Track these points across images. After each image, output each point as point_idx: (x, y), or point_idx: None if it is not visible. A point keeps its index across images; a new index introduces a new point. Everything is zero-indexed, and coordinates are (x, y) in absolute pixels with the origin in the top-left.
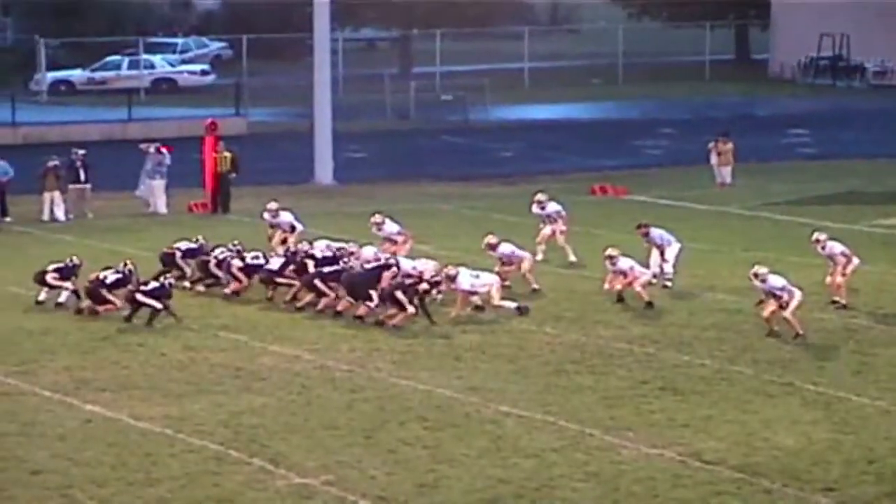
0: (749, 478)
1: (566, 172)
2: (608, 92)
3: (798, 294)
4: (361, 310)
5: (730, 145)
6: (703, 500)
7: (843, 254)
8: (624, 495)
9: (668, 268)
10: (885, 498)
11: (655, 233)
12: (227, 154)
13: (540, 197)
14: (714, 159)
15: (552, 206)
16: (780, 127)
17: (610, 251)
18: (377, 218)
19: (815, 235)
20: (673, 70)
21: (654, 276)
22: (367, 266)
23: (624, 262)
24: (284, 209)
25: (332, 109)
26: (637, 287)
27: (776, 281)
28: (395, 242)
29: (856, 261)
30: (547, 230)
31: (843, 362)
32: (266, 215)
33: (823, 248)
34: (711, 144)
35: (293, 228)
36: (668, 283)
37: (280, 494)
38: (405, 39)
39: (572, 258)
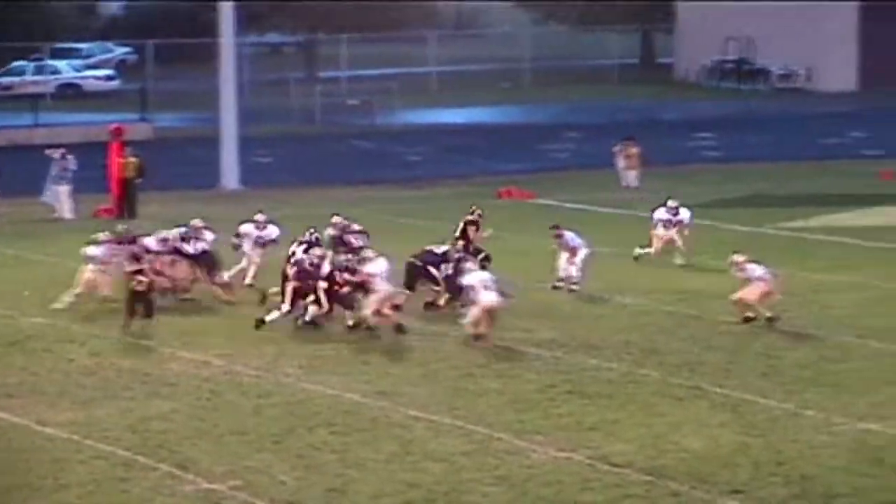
0: (657, 480)
1: (473, 176)
2: (515, 96)
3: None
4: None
5: (636, 149)
6: (612, 503)
7: (760, 278)
8: (533, 499)
9: (575, 272)
10: (793, 500)
11: (568, 235)
12: (133, 159)
13: (671, 203)
14: (621, 163)
15: (684, 213)
16: (686, 130)
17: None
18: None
19: (733, 257)
20: (579, 74)
21: (561, 280)
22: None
23: (373, 267)
24: (271, 222)
25: (237, 114)
26: (370, 307)
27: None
28: None
29: (774, 283)
30: (670, 233)
31: (750, 365)
32: (248, 227)
33: (742, 270)
34: (618, 148)
35: (275, 242)
36: (575, 287)
37: (188, 500)
38: (311, 44)
39: (681, 261)
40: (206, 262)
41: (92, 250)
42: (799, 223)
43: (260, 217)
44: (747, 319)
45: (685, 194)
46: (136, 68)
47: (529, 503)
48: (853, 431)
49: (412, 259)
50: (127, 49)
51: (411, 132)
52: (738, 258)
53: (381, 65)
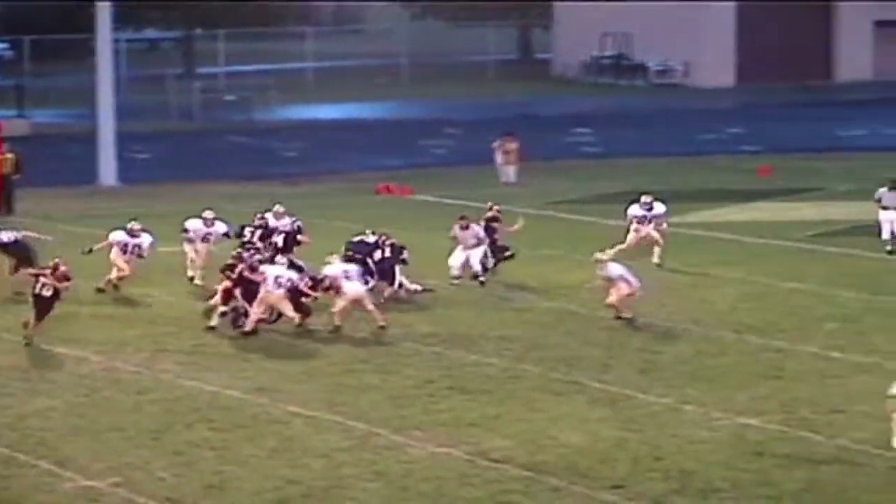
0: (536, 476)
1: (351, 172)
2: (393, 92)
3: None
4: (387, 291)
5: (514, 145)
6: (491, 499)
7: (621, 277)
8: (412, 494)
9: (477, 265)
10: (671, 494)
11: (476, 227)
12: (10, 156)
13: (645, 198)
14: (499, 158)
15: (658, 207)
16: (564, 126)
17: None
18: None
19: (597, 255)
20: (457, 70)
21: (476, 275)
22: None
23: (269, 269)
24: (219, 219)
25: (115, 110)
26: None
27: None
28: None
29: (635, 284)
30: (647, 229)
31: (629, 360)
32: (195, 223)
33: (603, 268)
34: (496, 144)
35: (227, 236)
36: (479, 279)
37: (67, 497)
38: (188, 40)
39: (657, 260)
40: (17, 251)
41: None
42: (676, 219)
43: (208, 214)
44: (620, 318)
45: (563, 189)
46: (13, 64)
47: (408, 499)
48: (732, 426)
49: (349, 252)
50: (3, 45)
51: (289, 128)
52: (602, 256)
53: (259, 61)
